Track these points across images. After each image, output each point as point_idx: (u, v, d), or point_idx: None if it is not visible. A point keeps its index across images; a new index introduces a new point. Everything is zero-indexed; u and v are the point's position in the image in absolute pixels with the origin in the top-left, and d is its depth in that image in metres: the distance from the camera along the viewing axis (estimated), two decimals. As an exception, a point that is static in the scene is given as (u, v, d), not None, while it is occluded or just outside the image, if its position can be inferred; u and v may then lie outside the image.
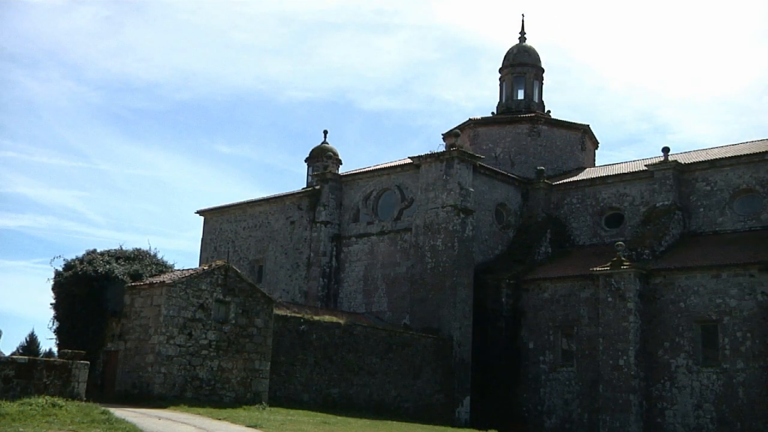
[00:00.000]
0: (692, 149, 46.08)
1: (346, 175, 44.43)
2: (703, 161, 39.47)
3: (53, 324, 30.32)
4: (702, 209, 38.93)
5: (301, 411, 29.57)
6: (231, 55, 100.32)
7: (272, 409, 28.49)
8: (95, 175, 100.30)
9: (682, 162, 39.38)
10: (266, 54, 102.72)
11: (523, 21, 53.04)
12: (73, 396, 23.11)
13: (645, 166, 40.64)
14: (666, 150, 39.82)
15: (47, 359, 25.64)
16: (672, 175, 39.04)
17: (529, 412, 38.59)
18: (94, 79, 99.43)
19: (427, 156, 39.39)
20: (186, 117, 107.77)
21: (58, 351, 28.23)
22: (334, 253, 44.00)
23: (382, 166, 44.15)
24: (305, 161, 51.44)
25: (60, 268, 30.44)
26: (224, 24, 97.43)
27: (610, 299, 35.78)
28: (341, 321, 36.12)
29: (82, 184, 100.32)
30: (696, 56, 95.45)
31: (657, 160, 40.20)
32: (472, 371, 38.42)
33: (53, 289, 30.40)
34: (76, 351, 24.88)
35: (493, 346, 39.56)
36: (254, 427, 22.37)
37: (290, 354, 33.73)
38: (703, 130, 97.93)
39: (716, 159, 39.04)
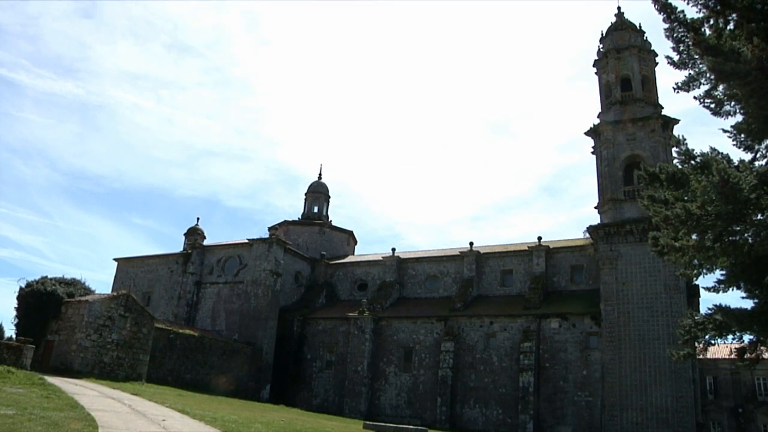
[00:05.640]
0: (409, 249, 61.68)
1: (208, 246, 56.60)
2: (412, 258, 52.85)
3: (15, 320, 33.69)
4: (410, 284, 51.18)
5: (166, 387, 33.68)
6: (150, 164, 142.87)
7: (148, 384, 32.10)
8: (55, 228, 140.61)
9: (402, 257, 52.81)
10: (171, 165, 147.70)
11: (321, 167, 73.89)
12: (22, 366, 25.99)
13: (381, 257, 53.80)
14: (393, 249, 53.76)
15: (8, 342, 29.20)
16: (395, 263, 52.31)
17: (305, 396, 47.82)
18: (63, 169, 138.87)
19: (257, 239, 52.01)
20: (116, 198, 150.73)
21: (16, 338, 31.86)
22: (195, 292, 52.74)
23: (230, 242, 56.24)
24: (184, 234, 60.10)
25: (23, 285, 34.20)
26: (149, 145, 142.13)
27: (356, 332, 46.57)
28: (195, 334, 41.73)
29: (45, 233, 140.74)
30: (421, 198, 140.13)
31: (389, 254, 53.41)
32: (273, 369, 47.34)
33: (17, 298, 33.79)
34: (27, 338, 28.63)
35: (286, 355, 48.97)
36: (135, 394, 24.68)
37: (162, 352, 38.03)
38: (419, 240, 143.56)
39: (420, 257, 52.61)
